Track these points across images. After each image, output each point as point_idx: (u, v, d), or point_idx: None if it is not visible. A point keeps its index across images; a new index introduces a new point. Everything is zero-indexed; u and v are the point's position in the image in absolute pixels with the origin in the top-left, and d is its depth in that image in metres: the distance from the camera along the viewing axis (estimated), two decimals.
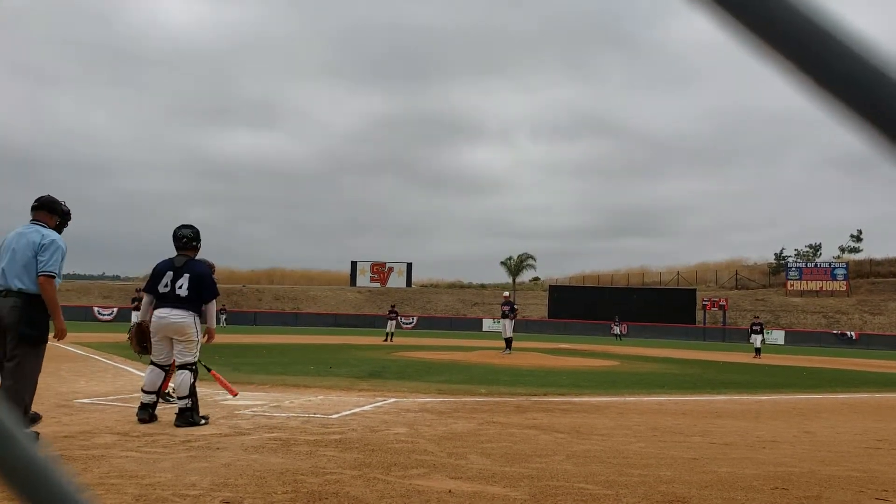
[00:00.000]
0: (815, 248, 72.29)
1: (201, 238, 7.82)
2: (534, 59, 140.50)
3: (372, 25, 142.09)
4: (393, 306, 36.65)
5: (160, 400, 8.38)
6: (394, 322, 34.45)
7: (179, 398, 7.08)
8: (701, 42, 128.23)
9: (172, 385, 8.95)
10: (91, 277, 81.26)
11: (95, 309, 53.75)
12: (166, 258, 7.60)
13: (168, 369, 7.58)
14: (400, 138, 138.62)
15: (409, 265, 72.46)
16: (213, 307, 7.65)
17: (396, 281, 71.60)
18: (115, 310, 52.70)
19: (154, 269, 7.57)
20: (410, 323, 59.19)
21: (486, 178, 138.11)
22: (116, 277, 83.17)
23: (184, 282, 7.33)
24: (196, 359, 7.43)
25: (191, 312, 7.36)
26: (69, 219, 6.57)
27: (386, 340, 31.72)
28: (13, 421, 0.50)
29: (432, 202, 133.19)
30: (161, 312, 7.31)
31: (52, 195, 6.43)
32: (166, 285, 7.35)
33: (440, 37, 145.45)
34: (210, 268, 9.38)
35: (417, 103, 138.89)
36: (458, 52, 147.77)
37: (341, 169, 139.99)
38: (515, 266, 70.77)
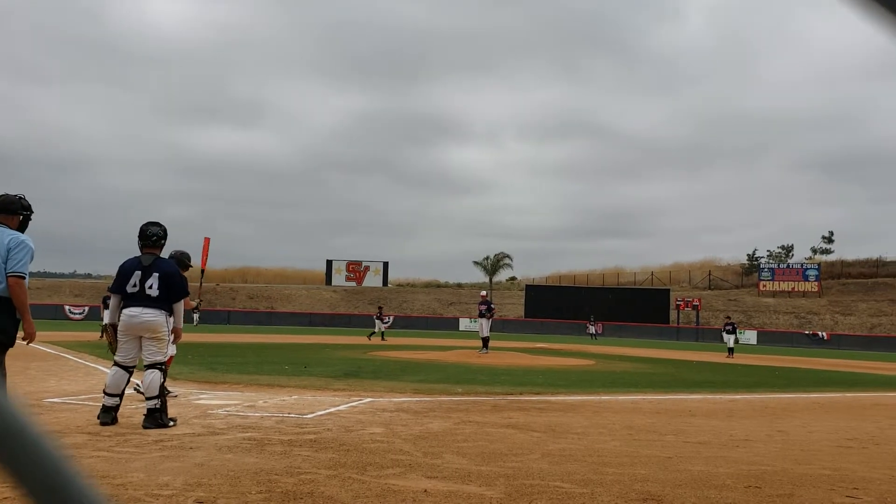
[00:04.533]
0: (788, 249, 73.19)
1: (167, 236, 7.68)
2: (522, 60, 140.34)
3: (358, 24, 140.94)
4: (380, 307, 38.28)
5: (137, 390, 8.27)
6: (381, 322, 35.87)
7: (148, 399, 6.92)
8: (683, 47, 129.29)
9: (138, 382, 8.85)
10: (62, 276, 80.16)
11: (66, 307, 53.16)
12: (132, 256, 7.46)
13: (132, 371, 7.41)
14: (384, 137, 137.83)
15: (386, 264, 72.28)
16: (180, 306, 7.49)
17: (373, 280, 71.36)
18: (87, 308, 52.14)
19: (120, 268, 7.36)
20: (387, 322, 59.10)
21: (467, 178, 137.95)
22: (88, 276, 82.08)
23: (153, 281, 7.19)
24: (165, 358, 7.32)
25: (162, 311, 7.23)
26: (31, 213, 6.40)
27: (382, 339, 32.66)
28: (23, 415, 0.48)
29: (412, 202, 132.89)
30: (131, 311, 7.16)
31: (7, 194, 6.23)
32: (135, 285, 7.19)
33: (427, 36, 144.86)
34: (187, 258, 9.28)
35: (403, 102, 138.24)
36: (445, 52, 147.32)
37: (324, 167, 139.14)
38: (492, 265, 70.87)
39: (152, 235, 7.43)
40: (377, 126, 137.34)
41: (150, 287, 7.18)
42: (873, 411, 10.94)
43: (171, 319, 7.37)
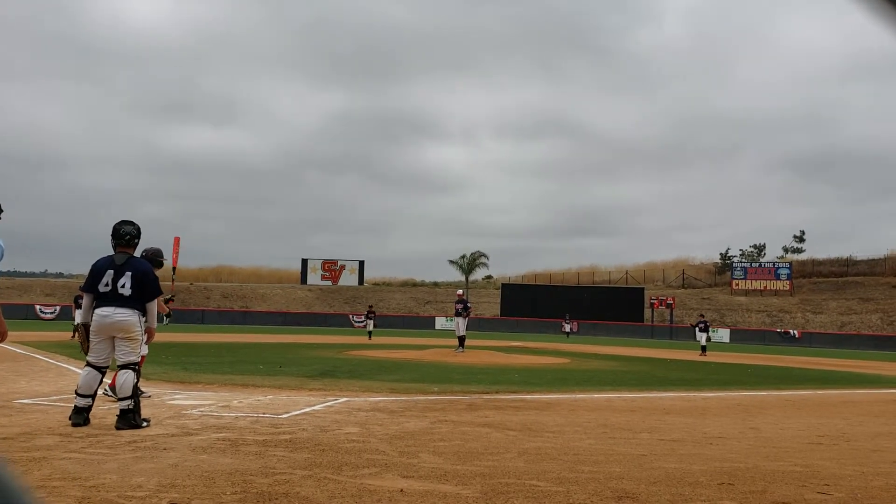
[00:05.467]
0: (760, 248, 74.01)
1: (141, 234, 7.57)
2: (499, 59, 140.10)
3: (335, 22, 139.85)
4: (370, 307, 39.28)
5: (106, 394, 8.18)
6: (371, 321, 36.34)
7: (121, 399, 6.84)
8: (660, 48, 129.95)
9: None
10: (33, 275, 79.01)
11: (37, 307, 52.41)
12: (105, 255, 7.37)
13: (105, 371, 7.33)
14: (360, 136, 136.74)
15: (362, 263, 72.03)
16: (153, 306, 7.38)
17: (348, 279, 71.10)
18: (58, 308, 51.45)
19: (93, 267, 7.27)
20: (362, 322, 58.97)
21: (444, 177, 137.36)
22: (60, 275, 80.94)
23: (126, 280, 7.10)
24: (139, 358, 7.24)
25: (135, 311, 7.13)
26: (1, 212, 6.29)
27: (369, 339, 32.96)
28: None
29: (388, 200, 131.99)
30: (104, 311, 7.07)
31: None
32: (107, 284, 7.10)
33: (405, 34, 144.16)
34: (160, 255, 9.16)
35: (380, 101, 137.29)
36: (423, 51, 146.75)
37: (300, 166, 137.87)
38: (468, 264, 70.94)
39: (125, 234, 7.32)
40: (353, 125, 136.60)
41: (123, 286, 7.09)
42: (843, 408, 11.10)
43: (144, 319, 7.29)
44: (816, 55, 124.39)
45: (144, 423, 6.87)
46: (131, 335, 7.09)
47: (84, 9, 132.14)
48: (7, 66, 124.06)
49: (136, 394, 6.90)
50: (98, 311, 7.10)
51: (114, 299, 7.07)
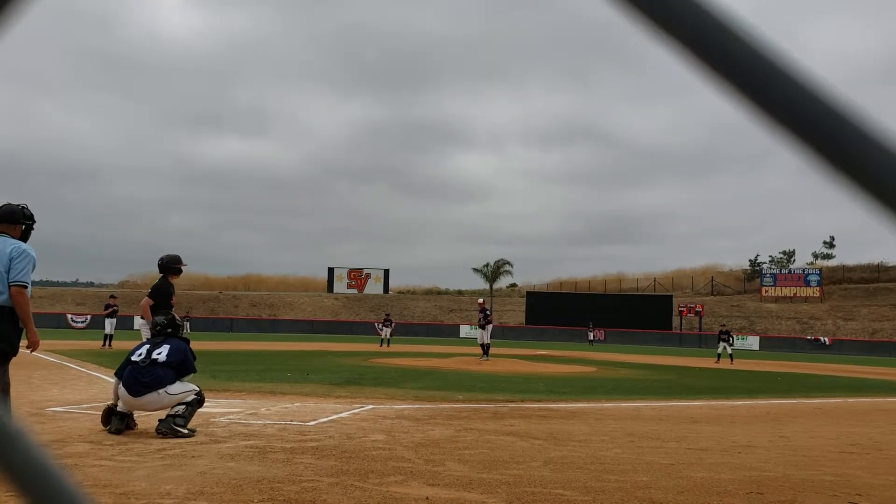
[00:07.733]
0: (789, 255, 73.16)
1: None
2: (527, 66, 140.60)
3: (363, 32, 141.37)
4: (387, 314, 39.76)
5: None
6: (388, 329, 36.37)
7: (176, 405, 6.94)
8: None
9: None
10: (64, 284, 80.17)
11: (69, 316, 53.19)
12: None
13: None
14: (387, 145, 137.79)
15: (387, 271, 72.26)
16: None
17: (373, 287, 71.32)
18: (89, 317, 52.12)
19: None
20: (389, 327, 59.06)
21: (470, 185, 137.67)
22: (90, 284, 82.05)
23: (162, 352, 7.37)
24: (191, 395, 7.08)
25: (154, 391, 7.00)
26: (34, 222, 6.39)
27: (385, 346, 33.09)
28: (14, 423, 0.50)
29: (415, 209, 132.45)
30: (121, 391, 7.10)
31: (10, 203, 6.22)
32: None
33: (433, 43, 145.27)
34: (175, 261, 9.19)
35: (407, 110, 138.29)
36: (451, 59, 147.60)
37: (326, 175, 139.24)
38: (492, 272, 70.78)
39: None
40: (380, 134, 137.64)
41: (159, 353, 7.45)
42: (875, 416, 10.93)
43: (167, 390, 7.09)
44: (845, 59, 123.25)
45: (186, 432, 6.86)
46: (163, 405, 7.10)
47: (119, 22, 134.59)
48: (42, 79, 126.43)
49: (192, 403, 6.97)
50: (120, 388, 7.15)
51: (135, 373, 7.11)
